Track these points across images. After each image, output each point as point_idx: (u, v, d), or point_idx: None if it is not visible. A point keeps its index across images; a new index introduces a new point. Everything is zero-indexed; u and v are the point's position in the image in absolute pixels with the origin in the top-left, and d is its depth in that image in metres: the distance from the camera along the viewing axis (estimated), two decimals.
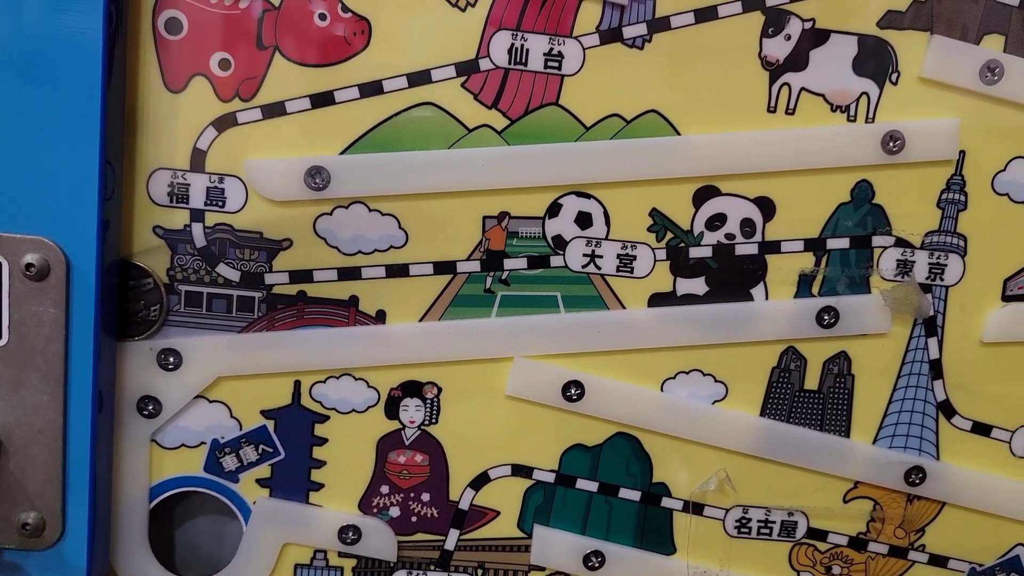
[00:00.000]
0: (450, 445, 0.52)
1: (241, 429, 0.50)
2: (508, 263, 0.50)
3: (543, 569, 0.53)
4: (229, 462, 0.51)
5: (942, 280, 0.52)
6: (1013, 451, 0.54)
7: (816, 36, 0.49)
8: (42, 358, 0.45)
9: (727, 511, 0.54)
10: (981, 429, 0.54)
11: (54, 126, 0.43)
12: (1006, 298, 0.52)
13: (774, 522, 0.54)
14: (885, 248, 0.51)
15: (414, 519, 0.52)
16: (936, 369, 0.53)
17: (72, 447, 0.46)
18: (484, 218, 0.49)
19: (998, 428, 0.54)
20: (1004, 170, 0.51)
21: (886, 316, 0.51)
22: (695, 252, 0.51)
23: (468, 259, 0.50)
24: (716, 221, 0.51)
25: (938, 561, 0.55)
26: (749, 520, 0.54)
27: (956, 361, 0.53)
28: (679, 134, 0.49)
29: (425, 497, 0.52)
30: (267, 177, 0.48)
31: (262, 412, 0.50)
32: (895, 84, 0.49)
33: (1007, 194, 0.51)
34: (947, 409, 0.53)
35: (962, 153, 0.50)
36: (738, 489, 0.53)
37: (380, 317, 0.50)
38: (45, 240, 0.44)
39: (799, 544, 0.54)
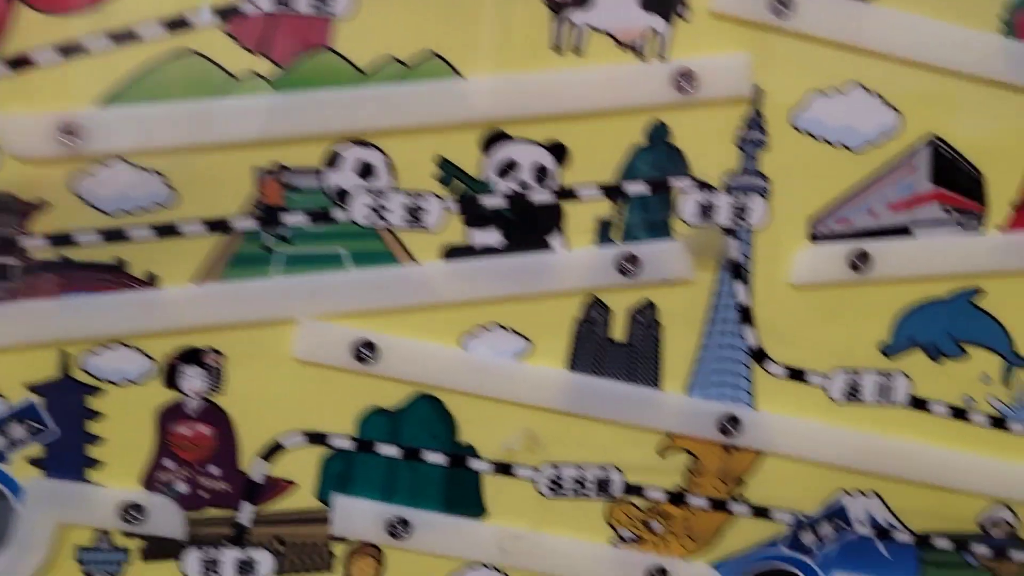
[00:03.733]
0: (238, 414, 0.49)
1: (7, 406, 0.47)
2: (286, 219, 0.47)
3: (345, 540, 0.51)
4: None
5: (746, 222, 0.50)
6: (830, 396, 0.53)
7: None
8: None
9: (538, 470, 0.52)
10: (796, 375, 0.52)
11: None
12: (813, 238, 0.51)
13: (589, 479, 0.52)
14: (685, 191, 0.50)
15: (203, 494, 0.49)
16: (746, 315, 0.51)
17: None
18: (257, 171, 0.46)
19: (813, 373, 0.52)
20: (804, 108, 0.49)
21: (689, 262, 0.50)
22: (487, 202, 0.49)
23: (242, 216, 0.47)
24: (507, 168, 0.49)
25: (760, 512, 0.53)
26: (562, 479, 0.52)
27: (766, 306, 0.51)
28: (463, 77, 0.47)
29: (213, 470, 0.49)
30: (16, 133, 0.44)
31: (29, 387, 0.47)
32: (685, 19, 0.48)
33: (808, 131, 0.50)
34: (760, 355, 0.52)
35: (760, 91, 0.49)
36: (549, 447, 0.52)
37: (151, 280, 0.47)
38: None
39: (616, 501, 0.53)
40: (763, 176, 0.50)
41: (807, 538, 0.54)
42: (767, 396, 0.52)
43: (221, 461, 0.49)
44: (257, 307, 0.47)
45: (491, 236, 0.49)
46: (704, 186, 0.49)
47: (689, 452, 0.53)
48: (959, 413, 0.54)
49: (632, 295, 0.50)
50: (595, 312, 0.50)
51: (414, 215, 0.48)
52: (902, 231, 0.51)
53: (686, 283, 0.50)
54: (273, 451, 0.49)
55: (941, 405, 0.53)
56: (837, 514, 0.54)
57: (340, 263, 0.48)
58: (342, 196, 0.47)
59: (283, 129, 0.46)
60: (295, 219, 0.47)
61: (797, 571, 0.55)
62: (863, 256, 0.51)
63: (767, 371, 0.52)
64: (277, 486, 0.49)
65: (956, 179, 0.51)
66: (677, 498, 0.53)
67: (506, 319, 0.50)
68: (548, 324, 0.50)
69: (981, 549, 0.55)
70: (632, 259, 0.49)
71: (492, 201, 0.48)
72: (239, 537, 0.49)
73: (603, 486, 0.52)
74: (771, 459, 0.53)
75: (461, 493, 0.51)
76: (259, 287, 0.47)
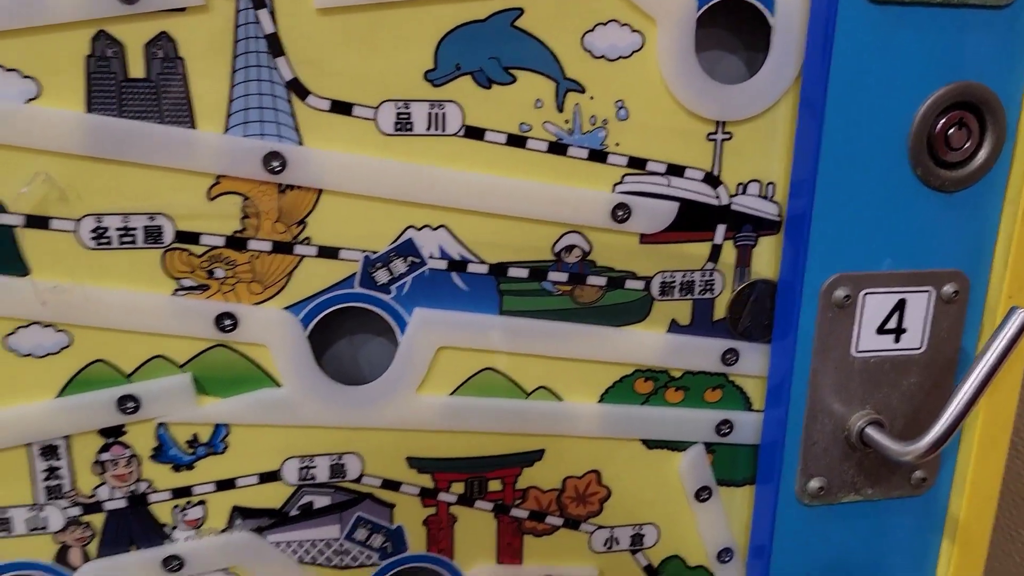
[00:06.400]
0: None
1: None
2: None
3: None
4: None
5: None
6: (381, 129, 0.53)
7: None
8: None
9: (78, 221, 0.51)
10: (341, 108, 0.52)
11: None
12: None
13: (135, 229, 0.51)
14: None
15: None
16: (275, 45, 0.50)
17: None
18: None
19: (359, 106, 0.52)
20: None
21: None
22: None
23: None
24: None
25: (328, 253, 0.54)
26: (106, 229, 0.51)
27: (295, 34, 0.49)
28: None
29: None
30: None
31: None
32: None
33: None
34: (298, 88, 0.51)
35: None
36: (85, 196, 0.50)
37: None
38: None
39: (170, 250, 0.52)
40: None
41: (380, 276, 0.56)
42: (313, 132, 0.51)
43: None
44: None
45: None
46: None
47: (241, 194, 0.52)
48: (517, 141, 0.55)
49: (145, 27, 0.48)
50: (106, 48, 0.48)
51: None
52: None
53: (202, 11, 0.48)
54: None
55: (497, 133, 0.54)
56: (407, 250, 0.55)
57: None
58: None
59: None
60: None
61: (375, 308, 0.56)
62: None
63: (310, 106, 0.51)
64: None
65: None
66: (238, 243, 0.53)
67: (6, 59, 0.47)
68: (55, 63, 0.47)
69: (557, 276, 0.58)
70: None
71: None
72: None
73: (153, 235, 0.52)
74: (331, 198, 0.53)
75: None
76: None
